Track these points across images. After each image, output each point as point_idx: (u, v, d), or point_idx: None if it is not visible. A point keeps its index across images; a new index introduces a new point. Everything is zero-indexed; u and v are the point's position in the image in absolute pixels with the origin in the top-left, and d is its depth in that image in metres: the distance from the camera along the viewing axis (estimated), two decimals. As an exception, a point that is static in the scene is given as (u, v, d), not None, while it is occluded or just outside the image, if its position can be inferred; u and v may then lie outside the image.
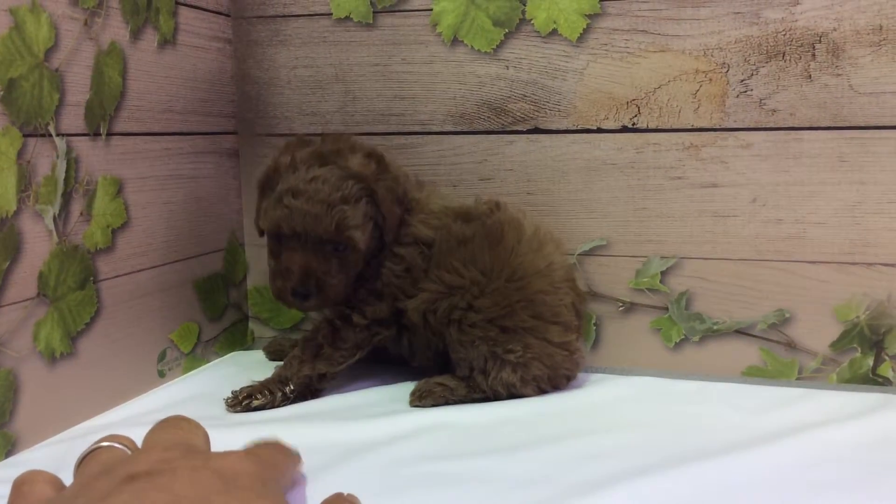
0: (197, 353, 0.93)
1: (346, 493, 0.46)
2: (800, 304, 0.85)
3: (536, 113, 0.90)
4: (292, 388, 0.80)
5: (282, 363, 0.84)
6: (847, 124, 0.81)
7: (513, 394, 0.80)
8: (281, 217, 0.77)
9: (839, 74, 0.81)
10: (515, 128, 0.91)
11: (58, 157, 0.71)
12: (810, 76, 0.82)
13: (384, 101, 0.94)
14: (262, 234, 0.83)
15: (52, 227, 0.71)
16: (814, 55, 0.81)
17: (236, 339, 1.01)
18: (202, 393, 0.84)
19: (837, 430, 0.70)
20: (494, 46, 0.90)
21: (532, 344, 0.79)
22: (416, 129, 0.94)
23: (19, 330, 0.68)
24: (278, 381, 0.80)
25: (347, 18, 0.94)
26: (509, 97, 0.90)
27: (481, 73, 0.91)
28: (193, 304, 0.92)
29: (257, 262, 1.01)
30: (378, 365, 0.89)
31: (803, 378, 0.85)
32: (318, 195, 0.76)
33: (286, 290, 0.78)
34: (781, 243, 0.84)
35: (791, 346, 0.86)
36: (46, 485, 0.40)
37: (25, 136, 0.68)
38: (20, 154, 0.67)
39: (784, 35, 0.82)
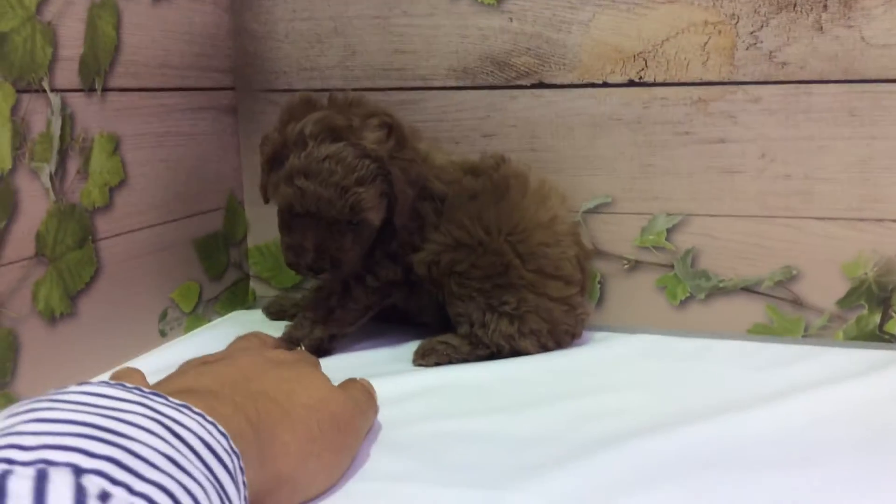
0: (198, 313, 0.92)
1: (359, 377, 0.62)
2: (807, 261, 0.84)
3: (541, 67, 0.88)
4: (303, 349, 0.79)
5: (288, 323, 0.84)
6: (858, 77, 0.80)
7: (514, 347, 0.79)
8: (293, 197, 0.74)
9: (851, 26, 0.79)
10: (519, 82, 0.89)
11: (52, 113, 0.69)
12: (822, 28, 0.80)
13: (384, 56, 0.92)
14: (266, 202, 0.81)
15: (48, 185, 0.69)
16: (825, 6, 0.79)
17: (237, 298, 1.00)
18: (205, 352, 0.82)
19: (844, 387, 0.70)
20: (498, -2, 0.87)
21: (528, 298, 0.78)
22: (418, 84, 0.92)
23: (18, 290, 0.67)
24: (289, 341, 0.80)
25: (347, -30, 0.91)
26: (513, 51, 0.88)
27: (484, 25, 0.88)
28: (194, 264, 0.91)
29: (257, 221, 1.00)
30: (382, 325, 0.88)
31: (809, 335, 0.85)
32: (332, 177, 0.73)
33: (300, 266, 0.77)
34: (789, 199, 0.83)
35: (797, 303, 0.85)
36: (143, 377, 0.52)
37: (19, 91, 0.66)
38: (14, 110, 0.65)
39: (796, -15, 0.79)
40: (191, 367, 0.52)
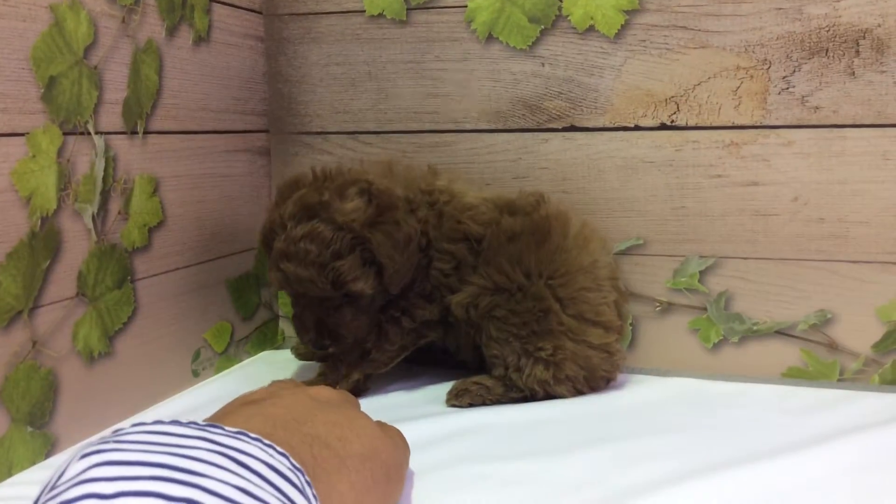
0: (230, 353, 0.92)
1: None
2: (842, 305, 0.83)
3: (572, 110, 0.89)
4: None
5: (318, 364, 0.84)
6: (891, 122, 0.80)
7: (548, 392, 0.79)
8: (280, 280, 0.75)
9: (883, 71, 0.79)
10: (551, 125, 0.90)
11: (96, 155, 0.71)
12: (854, 73, 0.80)
13: (417, 99, 0.93)
14: (270, 285, 0.82)
15: (91, 225, 0.70)
16: (857, 51, 0.80)
17: (267, 338, 1.00)
18: (237, 393, 0.82)
19: (881, 433, 0.69)
20: (530, 43, 0.89)
21: (565, 345, 0.78)
22: (450, 127, 0.93)
23: (59, 330, 0.67)
24: (325, 383, 0.80)
25: (381, 15, 0.93)
26: (545, 95, 0.89)
27: (516, 70, 0.90)
28: (226, 304, 0.91)
29: (288, 261, 1.00)
30: (414, 366, 0.88)
31: (845, 379, 0.84)
32: (309, 256, 0.73)
33: (306, 342, 0.79)
34: (823, 242, 0.83)
35: (833, 347, 0.84)
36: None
37: (65, 134, 0.67)
38: (60, 152, 0.67)
39: (827, 31, 0.80)
40: (235, 406, 0.51)
